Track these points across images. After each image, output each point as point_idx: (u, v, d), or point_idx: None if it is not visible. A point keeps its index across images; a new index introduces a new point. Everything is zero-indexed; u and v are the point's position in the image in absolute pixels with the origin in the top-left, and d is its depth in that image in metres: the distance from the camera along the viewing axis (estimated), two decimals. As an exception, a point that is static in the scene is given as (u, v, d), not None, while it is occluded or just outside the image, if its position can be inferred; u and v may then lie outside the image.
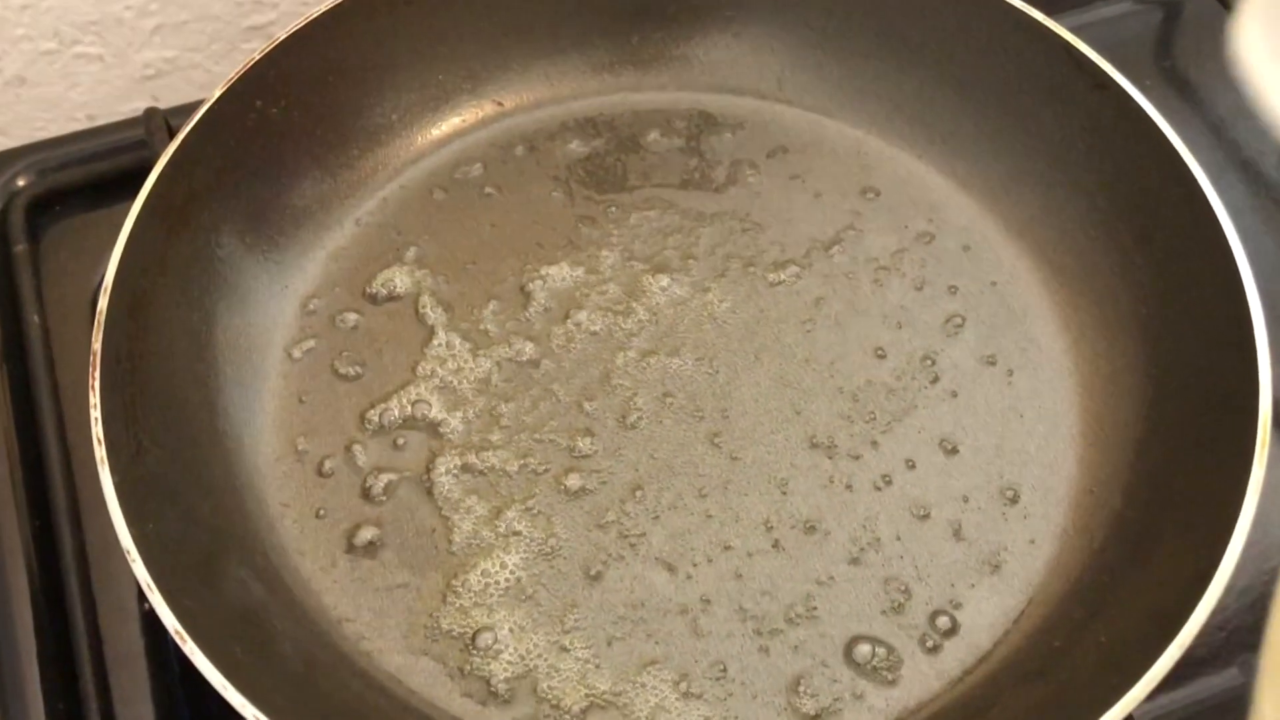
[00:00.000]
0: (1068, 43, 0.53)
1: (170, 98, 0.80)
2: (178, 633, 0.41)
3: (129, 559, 0.42)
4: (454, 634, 0.47)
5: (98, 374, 0.46)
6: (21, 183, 0.61)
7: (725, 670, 0.46)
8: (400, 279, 0.55)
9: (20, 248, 0.58)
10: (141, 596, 0.50)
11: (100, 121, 0.79)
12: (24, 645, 0.49)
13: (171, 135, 0.59)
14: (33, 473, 0.53)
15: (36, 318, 0.57)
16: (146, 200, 0.49)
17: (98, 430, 0.44)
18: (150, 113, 0.60)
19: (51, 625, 0.50)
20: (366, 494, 0.50)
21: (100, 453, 0.44)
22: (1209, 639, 0.42)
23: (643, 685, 0.46)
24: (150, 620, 0.50)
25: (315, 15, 0.54)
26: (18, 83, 0.76)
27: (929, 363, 0.52)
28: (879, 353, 0.53)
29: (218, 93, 0.52)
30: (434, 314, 0.54)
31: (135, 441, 0.46)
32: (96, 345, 0.46)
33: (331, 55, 0.55)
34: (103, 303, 0.47)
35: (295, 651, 0.45)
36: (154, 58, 0.77)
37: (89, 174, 0.61)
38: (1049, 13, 0.66)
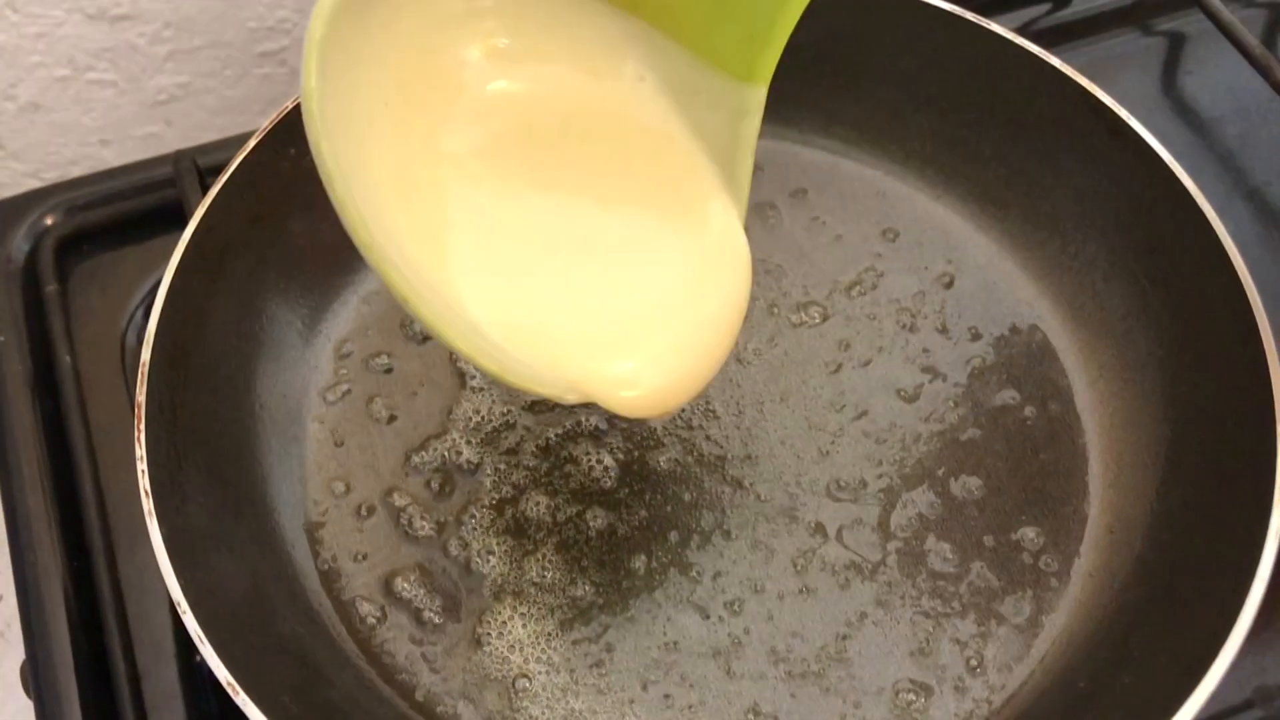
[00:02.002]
0: (1083, 88, 0.54)
1: (183, 122, 0.80)
2: (230, 684, 0.42)
3: (179, 610, 0.43)
4: (493, 677, 0.48)
5: (143, 426, 0.46)
6: (50, 222, 0.61)
7: (759, 713, 0.47)
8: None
9: (51, 288, 0.59)
10: (179, 638, 0.51)
11: (114, 145, 0.80)
12: (65, 685, 0.50)
13: (200, 176, 0.60)
14: (68, 512, 0.54)
15: (68, 358, 0.57)
16: (184, 252, 0.50)
17: (144, 483, 0.45)
18: (179, 155, 0.60)
19: (91, 664, 0.51)
20: (404, 538, 0.51)
21: (148, 505, 0.45)
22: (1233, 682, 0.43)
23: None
24: (189, 661, 0.51)
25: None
26: (32, 109, 0.76)
27: (952, 404, 0.54)
28: (903, 394, 0.54)
29: (251, 143, 0.52)
30: (464, 356, 0.55)
31: (180, 492, 0.47)
32: (141, 398, 0.47)
33: (362, 102, 0.56)
34: (145, 355, 0.47)
35: (341, 696, 0.46)
36: (167, 83, 0.78)
37: (116, 213, 0.62)
38: (1057, 45, 0.67)
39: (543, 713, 0.47)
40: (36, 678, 0.50)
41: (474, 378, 0.54)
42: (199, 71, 0.78)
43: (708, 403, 0.54)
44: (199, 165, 0.60)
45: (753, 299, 0.56)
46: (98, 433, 0.56)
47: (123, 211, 0.62)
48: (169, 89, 0.78)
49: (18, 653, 0.51)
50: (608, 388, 0.44)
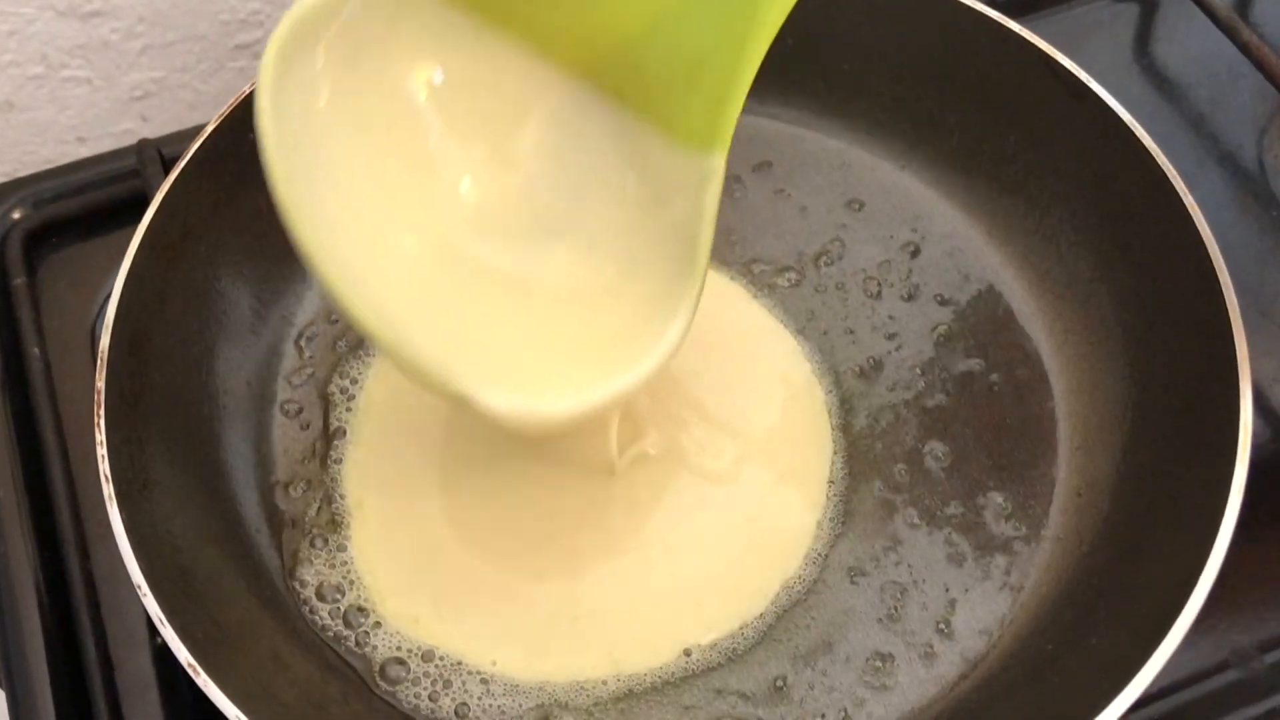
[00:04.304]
0: (1044, 52, 0.54)
1: (159, 117, 0.80)
2: (191, 665, 0.42)
3: (140, 593, 0.43)
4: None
5: (102, 412, 0.46)
6: (17, 215, 0.61)
7: (726, 679, 0.47)
8: (395, 304, 0.56)
9: (19, 281, 0.59)
10: (152, 627, 0.51)
11: (90, 142, 0.80)
12: (37, 675, 0.50)
13: (165, 165, 0.60)
14: (39, 504, 0.54)
15: (37, 350, 0.57)
16: (144, 237, 0.50)
17: (104, 468, 0.45)
18: (143, 144, 0.60)
19: (64, 655, 0.51)
20: (369, 519, 0.51)
21: (108, 490, 0.45)
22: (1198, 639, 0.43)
23: (646, 701, 0.47)
24: (161, 650, 0.51)
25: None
26: (6, 108, 0.76)
27: (919, 371, 0.53)
28: (870, 361, 0.54)
29: (210, 127, 0.52)
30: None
31: (142, 477, 0.47)
32: (100, 384, 0.47)
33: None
34: (104, 341, 0.47)
35: (303, 678, 0.46)
36: (142, 79, 0.78)
37: (84, 204, 0.62)
38: (1031, 13, 0.67)
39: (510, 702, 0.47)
40: (9, 668, 0.50)
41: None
42: (173, 66, 0.78)
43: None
44: (163, 154, 0.60)
45: (720, 270, 0.56)
46: (68, 424, 0.56)
47: (90, 203, 0.62)
48: (144, 84, 0.78)
49: (-11, 644, 0.51)
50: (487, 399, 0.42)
